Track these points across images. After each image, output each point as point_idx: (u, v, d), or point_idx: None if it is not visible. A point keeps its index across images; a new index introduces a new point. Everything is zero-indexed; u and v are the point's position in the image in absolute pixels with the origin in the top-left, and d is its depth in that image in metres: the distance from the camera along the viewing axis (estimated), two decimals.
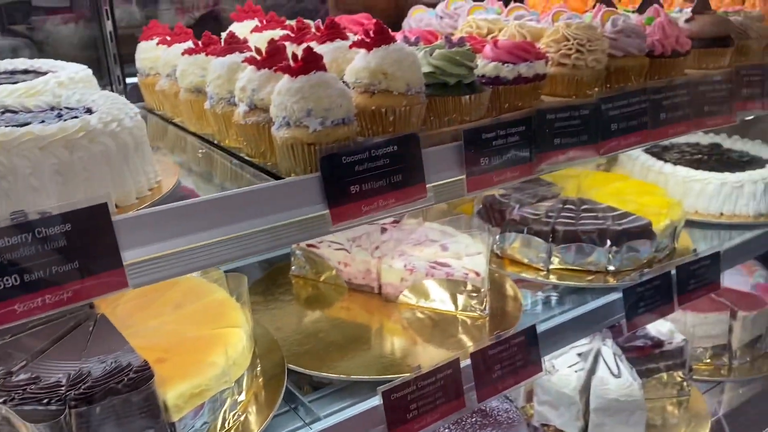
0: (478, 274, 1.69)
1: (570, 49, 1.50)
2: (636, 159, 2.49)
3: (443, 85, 1.33)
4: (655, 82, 1.63)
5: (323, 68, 1.15)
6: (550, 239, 1.91)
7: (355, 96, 1.25)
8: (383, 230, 1.95)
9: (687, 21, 1.82)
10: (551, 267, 1.93)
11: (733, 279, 2.57)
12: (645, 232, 1.89)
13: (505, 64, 1.40)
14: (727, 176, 2.30)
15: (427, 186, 1.27)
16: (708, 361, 2.49)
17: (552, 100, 1.50)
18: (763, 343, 2.53)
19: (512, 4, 1.99)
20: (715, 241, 2.25)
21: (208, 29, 1.71)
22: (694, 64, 1.80)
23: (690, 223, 2.28)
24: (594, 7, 1.94)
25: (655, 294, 1.82)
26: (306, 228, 1.18)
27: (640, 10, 1.86)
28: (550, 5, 2.23)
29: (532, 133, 1.39)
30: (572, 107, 1.46)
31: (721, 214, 2.30)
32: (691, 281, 1.90)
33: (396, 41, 1.25)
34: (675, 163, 2.43)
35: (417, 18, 2.16)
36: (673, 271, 1.87)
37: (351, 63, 1.27)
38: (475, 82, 1.37)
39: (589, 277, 1.90)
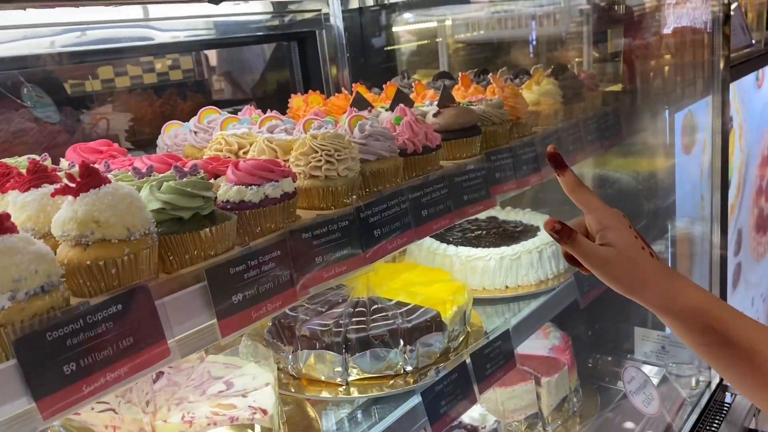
0: (265, 412, 1.52)
1: (319, 160, 1.44)
2: (422, 244, 2.52)
3: (178, 221, 1.18)
4: (412, 181, 1.63)
5: (10, 229, 0.95)
6: (344, 350, 1.80)
7: (66, 251, 1.05)
8: (157, 376, 1.71)
9: (435, 115, 1.88)
10: (350, 379, 1.81)
11: (533, 344, 2.66)
12: (434, 324, 1.86)
13: (249, 187, 1.29)
14: (505, 250, 2.39)
15: (172, 340, 1.10)
16: None
17: (309, 215, 1.41)
18: (569, 403, 2.62)
19: (268, 113, 1.93)
20: (507, 314, 2.30)
21: None
22: (448, 156, 1.85)
23: (480, 301, 2.32)
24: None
25: (455, 388, 1.77)
26: (10, 427, 0.94)
27: (392, 107, 1.89)
28: (309, 108, 2.21)
29: (288, 257, 1.29)
30: (329, 221, 1.38)
31: (507, 287, 2.38)
32: (487, 366, 1.89)
33: (109, 183, 1.08)
34: (457, 244, 2.49)
35: (171, 134, 2.02)
36: (468, 360, 1.85)
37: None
38: (216, 212, 1.24)
39: (390, 382, 1.81)
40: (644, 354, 2.88)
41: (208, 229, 1.19)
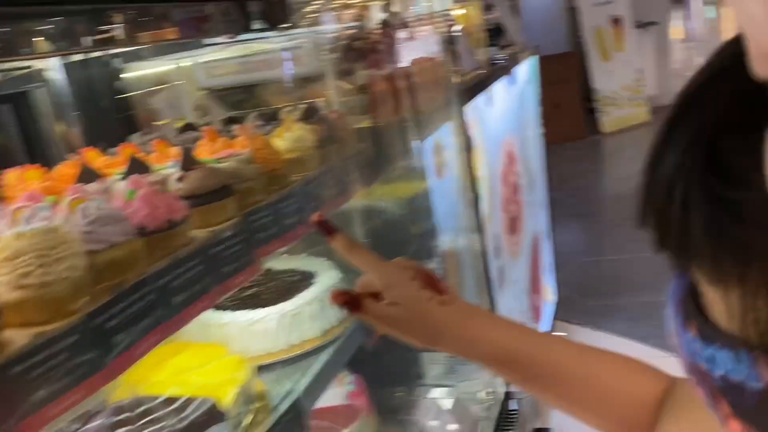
0: None
1: (29, 265, 1.15)
2: None
3: None
4: (157, 264, 1.41)
5: None
6: None
7: None
8: None
9: (179, 180, 1.67)
10: None
11: (328, 395, 2.54)
12: (213, 416, 1.64)
13: None
14: (284, 306, 2.24)
15: None
16: None
17: (24, 336, 1.12)
18: None
19: None
20: (297, 374, 2.15)
21: None
22: (200, 224, 1.65)
23: (267, 368, 2.14)
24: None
25: None
26: None
27: (125, 176, 1.64)
28: (27, 186, 1.85)
29: None
30: (50, 341, 1.11)
31: (293, 345, 2.23)
32: None
33: None
34: (234, 308, 2.28)
35: None
36: None
37: None
38: None
39: None
40: (434, 377, 2.94)
41: None
